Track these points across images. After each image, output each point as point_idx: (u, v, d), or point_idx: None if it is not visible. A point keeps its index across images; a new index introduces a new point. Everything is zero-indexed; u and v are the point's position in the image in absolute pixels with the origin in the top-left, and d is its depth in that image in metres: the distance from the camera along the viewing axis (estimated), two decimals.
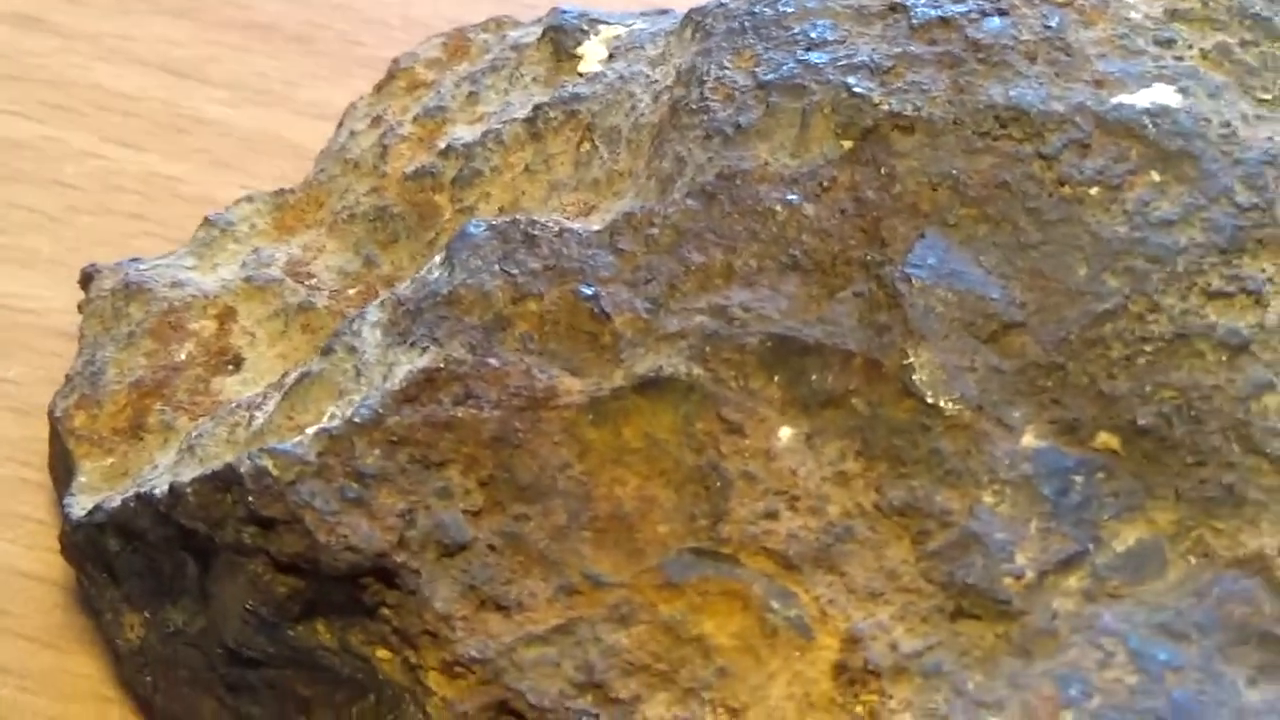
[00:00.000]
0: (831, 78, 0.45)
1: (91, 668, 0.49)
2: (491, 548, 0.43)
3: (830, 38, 0.46)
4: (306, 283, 0.49)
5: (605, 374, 0.44)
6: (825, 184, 0.45)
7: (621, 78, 0.49)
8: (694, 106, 0.46)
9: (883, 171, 0.45)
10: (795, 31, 0.46)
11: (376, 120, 0.51)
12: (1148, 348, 0.44)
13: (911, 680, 0.41)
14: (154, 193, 0.53)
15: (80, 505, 0.47)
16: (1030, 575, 0.42)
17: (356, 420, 0.43)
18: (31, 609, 0.49)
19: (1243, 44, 0.47)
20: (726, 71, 0.46)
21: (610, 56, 0.50)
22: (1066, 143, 0.45)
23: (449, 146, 0.49)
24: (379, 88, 0.53)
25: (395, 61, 0.53)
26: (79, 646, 0.49)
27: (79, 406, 0.48)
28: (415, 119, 0.51)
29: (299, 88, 0.54)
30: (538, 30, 0.52)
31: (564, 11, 0.51)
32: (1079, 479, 0.43)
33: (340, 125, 0.52)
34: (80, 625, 0.49)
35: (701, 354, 0.44)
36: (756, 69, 0.46)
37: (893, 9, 0.47)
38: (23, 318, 0.52)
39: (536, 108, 0.49)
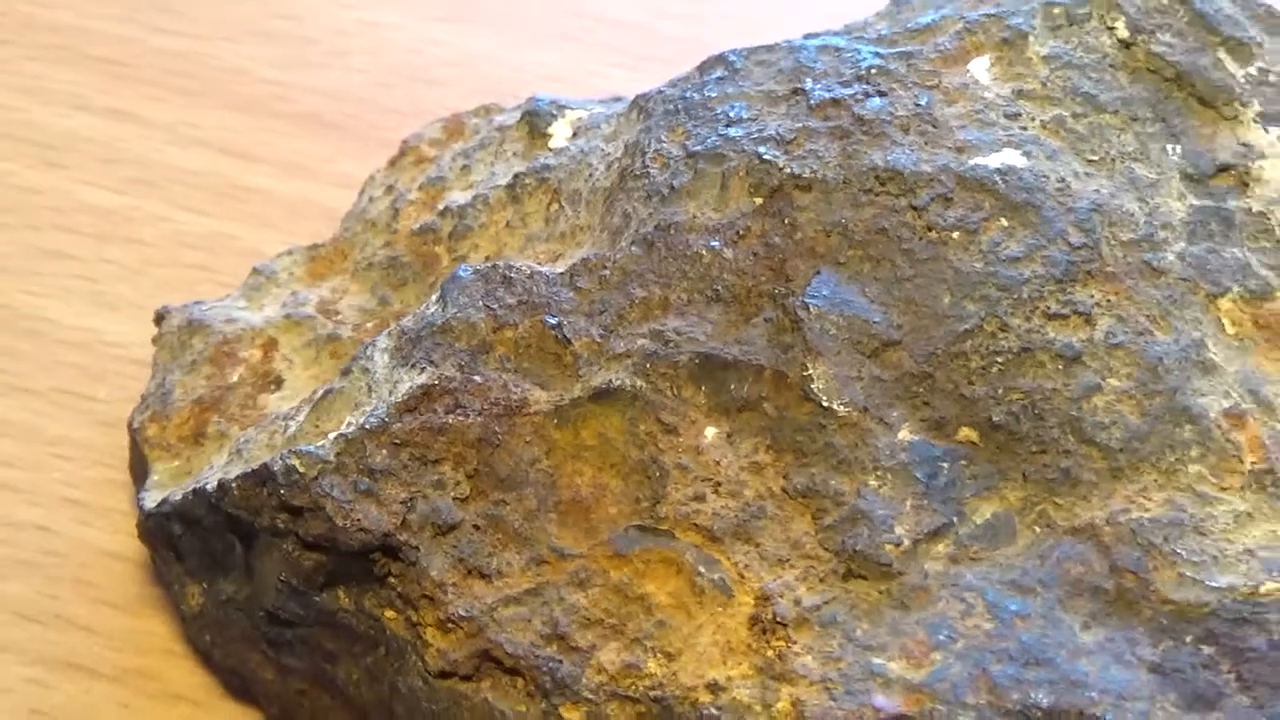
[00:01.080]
0: (746, 147, 0.46)
1: (162, 629, 0.49)
2: (476, 527, 0.43)
3: (745, 116, 0.46)
4: (334, 319, 0.49)
5: (567, 387, 0.44)
6: (741, 232, 0.45)
7: (583, 151, 0.49)
8: (637, 173, 0.46)
9: (786, 222, 0.45)
10: (717, 111, 0.46)
11: (390, 189, 0.52)
12: (999, 359, 0.44)
13: (812, 629, 0.41)
14: (215, 249, 0.54)
15: (152, 499, 0.47)
16: (907, 543, 0.42)
17: (367, 427, 0.43)
18: (115, 581, 0.50)
19: (1074, 116, 0.47)
20: (663, 144, 0.46)
21: (574, 134, 0.50)
22: (933, 197, 0.45)
23: (446, 208, 0.49)
24: (392, 162, 0.53)
25: (405, 142, 0.53)
26: (152, 612, 0.49)
27: (152, 420, 0.48)
28: (420, 187, 0.51)
29: (331, 164, 0.54)
30: (517, 114, 0.52)
31: (539, 99, 0.51)
32: (945, 465, 0.43)
33: (361, 192, 0.52)
34: (153, 595, 0.49)
35: (643, 370, 0.44)
36: (687, 142, 0.46)
37: (795, 93, 0.47)
38: (110, 350, 0.52)
39: (515, 176, 0.49)
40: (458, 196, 0.50)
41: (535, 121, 0.51)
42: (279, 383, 0.49)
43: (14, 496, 0.50)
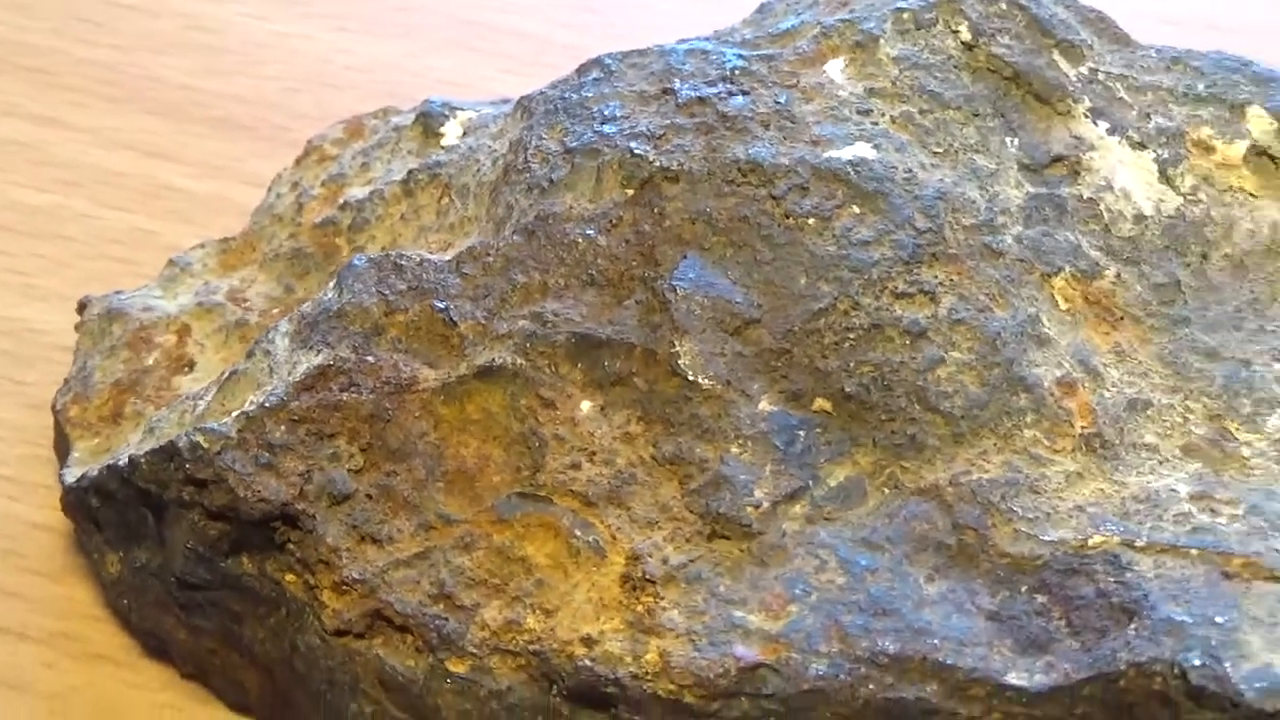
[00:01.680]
0: (619, 143, 0.45)
1: (85, 594, 0.48)
2: (369, 496, 0.42)
3: (619, 114, 0.45)
4: (242, 306, 0.49)
5: (453, 365, 0.43)
6: (614, 221, 0.44)
7: (471, 148, 0.48)
8: (519, 167, 0.46)
9: (655, 211, 0.44)
10: (593, 110, 0.46)
11: (295, 185, 0.51)
12: (851, 335, 0.43)
13: (678, 585, 0.41)
14: (136, 243, 0.53)
15: (73, 474, 0.46)
16: (766, 505, 0.42)
17: (267, 405, 0.43)
18: (41, 551, 0.49)
19: (921, 112, 0.47)
20: (543, 141, 0.45)
21: (464, 133, 0.50)
22: (790, 187, 0.44)
23: (346, 202, 0.49)
24: (298, 161, 0.52)
25: (310, 142, 0.52)
26: (75, 579, 0.48)
27: (74, 401, 0.48)
28: (323, 183, 0.50)
29: (243, 163, 0.54)
30: (413, 115, 0.51)
31: (432, 101, 0.51)
32: (802, 433, 0.42)
33: (270, 189, 0.51)
34: (76, 563, 0.48)
35: (524, 349, 0.43)
36: (565, 138, 0.45)
37: (664, 92, 0.46)
38: (38, 337, 0.52)
39: (410, 172, 0.49)
40: (357, 192, 0.49)
41: (429, 122, 0.50)
42: (191, 365, 0.48)
43: None
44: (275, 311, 0.48)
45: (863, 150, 0.46)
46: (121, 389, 0.48)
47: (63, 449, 0.48)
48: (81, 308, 0.50)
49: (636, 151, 0.45)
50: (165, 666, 0.47)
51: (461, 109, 0.50)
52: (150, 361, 0.48)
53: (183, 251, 0.51)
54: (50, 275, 0.53)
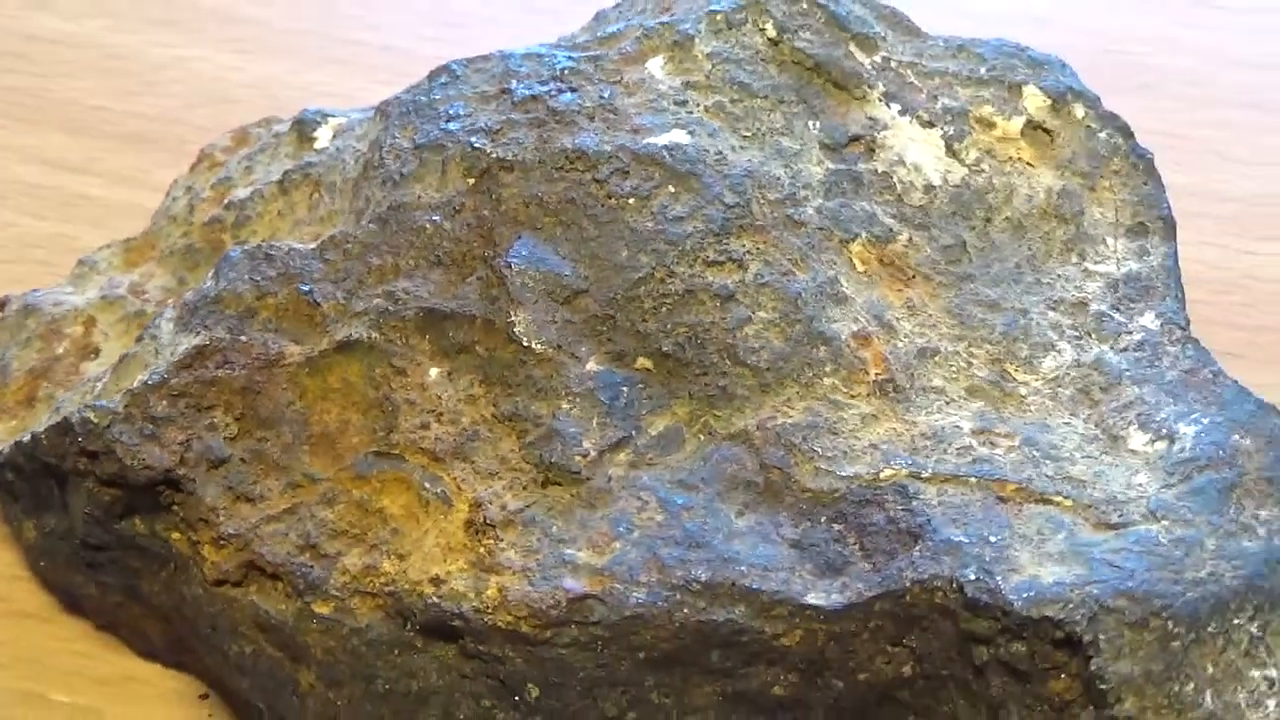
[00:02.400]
0: (461, 138, 0.45)
1: (10, 558, 0.48)
2: (243, 460, 0.42)
3: (462, 113, 0.45)
4: (142, 298, 0.48)
5: (316, 341, 0.43)
6: (457, 208, 0.44)
7: (340, 150, 0.48)
8: (376, 164, 0.45)
9: (493, 197, 0.44)
10: (440, 111, 0.45)
11: (189, 189, 0.51)
12: (668, 300, 0.43)
13: (515, 528, 0.40)
14: (54, 247, 0.53)
15: None
16: (593, 454, 0.41)
17: (150, 382, 0.42)
18: None
19: (732, 101, 0.46)
20: (396, 140, 0.45)
21: (334, 136, 0.49)
22: (612, 171, 0.44)
23: (230, 202, 0.48)
24: (192, 168, 0.52)
25: (202, 150, 0.52)
26: (1, 546, 0.48)
27: None
28: (212, 186, 0.50)
29: (149, 174, 0.54)
30: (290, 123, 0.51)
31: (308, 110, 0.50)
32: (625, 389, 0.42)
33: (168, 194, 0.51)
34: (1, 532, 0.48)
35: (378, 324, 0.43)
36: (415, 136, 0.45)
37: (502, 92, 0.46)
38: None
39: (285, 173, 0.48)
40: (240, 192, 0.49)
41: (303, 128, 0.50)
42: (97, 352, 0.48)
43: None
44: (170, 301, 0.48)
45: (678, 136, 0.45)
46: (35, 376, 0.47)
47: None
48: (1, 306, 0.50)
49: (476, 145, 0.45)
50: (81, 621, 0.47)
51: (334, 116, 0.50)
52: (60, 350, 0.48)
53: (90, 253, 0.51)
54: None
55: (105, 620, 0.47)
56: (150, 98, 0.57)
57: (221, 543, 0.41)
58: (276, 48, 0.58)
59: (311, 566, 0.40)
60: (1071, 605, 0.37)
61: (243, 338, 0.43)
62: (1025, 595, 0.38)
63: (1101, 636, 0.37)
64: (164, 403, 0.42)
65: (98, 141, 0.56)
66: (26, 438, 0.44)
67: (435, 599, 0.40)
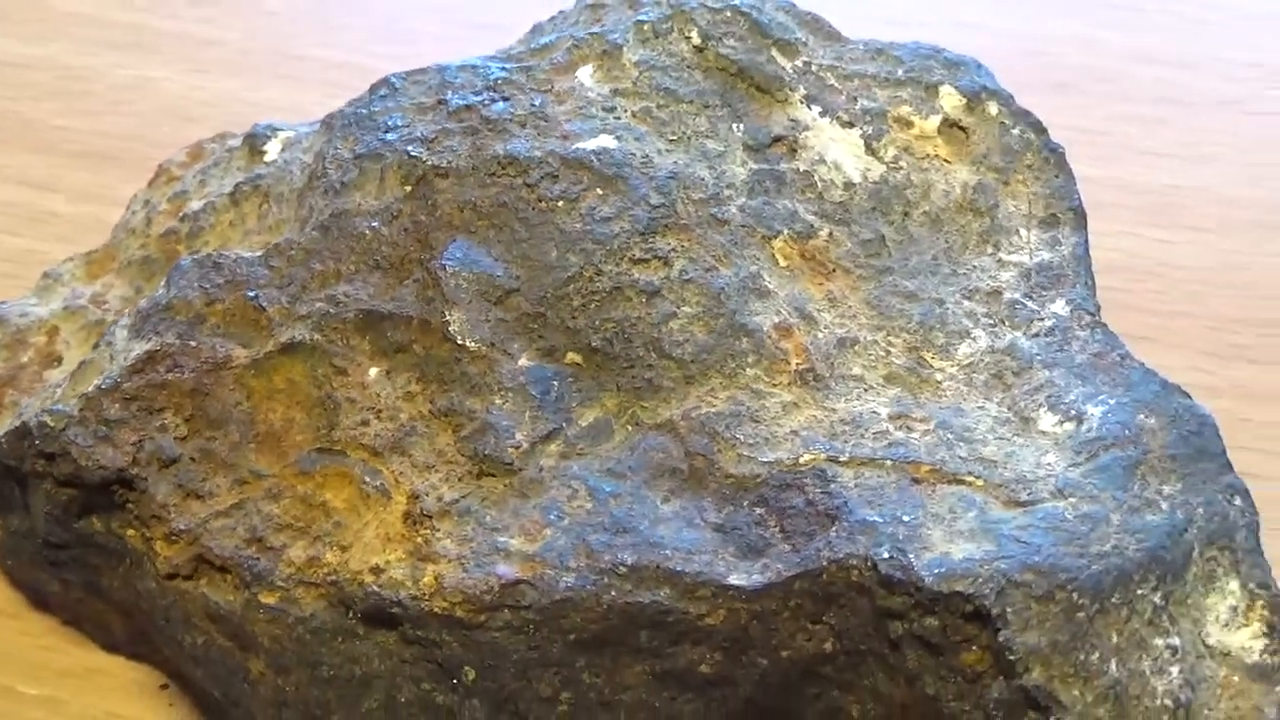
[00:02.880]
0: (399, 147, 0.44)
1: None
2: (192, 459, 0.41)
3: (400, 124, 0.45)
4: (102, 307, 0.48)
5: (262, 343, 0.43)
6: (395, 214, 0.44)
7: (287, 162, 0.48)
8: (319, 174, 0.45)
9: (429, 203, 0.44)
10: (379, 122, 0.45)
11: (147, 203, 0.50)
12: (596, 297, 0.43)
13: (451, 518, 0.40)
14: (22, 261, 0.53)
15: None
16: (525, 446, 0.41)
17: (103, 387, 0.42)
18: None
19: (659, 107, 0.46)
20: (338, 150, 0.45)
21: (283, 149, 0.49)
22: (543, 175, 0.44)
23: (185, 214, 0.48)
24: (150, 183, 0.52)
25: (160, 165, 0.52)
26: None
27: None
28: (169, 200, 0.50)
29: (112, 189, 0.53)
30: (242, 138, 0.50)
31: (258, 125, 0.50)
32: (556, 383, 0.42)
33: (128, 208, 0.51)
34: None
35: (320, 326, 0.43)
36: (355, 147, 0.45)
37: (439, 103, 0.46)
38: None
39: (236, 185, 0.48)
40: (195, 204, 0.49)
41: (254, 142, 0.49)
42: (60, 360, 0.47)
43: None
44: (129, 310, 0.47)
45: (605, 141, 0.45)
46: (2, 384, 0.47)
47: None
48: None
49: (413, 154, 0.44)
50: (46, 616, 0.47)
51: (283, 130, 0.50)
52: (25, 359, 0.48)
53: (55, 265, 0.50)
54: None
55: (69, 615, 0.46)
56: (113, 117, 0.57)
57: (173, 538, 0.41)
58: (234, 66, 0.58)
59: (258, 559, 0.40)
60: (980, 580, 0.37)
61: (192, 342, 0.43)
62: (936, 571, 0.37)
63: (1009, 609, 0.37)
64: (117, 406, 0.42)
65: (62, 160, 0.56)
66: None
67: (375, 587, 0.39)
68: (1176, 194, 0.56)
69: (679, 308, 0.43)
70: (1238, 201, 0.56)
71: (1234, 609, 0.40)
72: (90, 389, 0.42)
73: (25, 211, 0.55)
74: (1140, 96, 0.59)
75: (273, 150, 0.49)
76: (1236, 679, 0.39)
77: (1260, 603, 0.40)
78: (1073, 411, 0.42)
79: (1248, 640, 0.40)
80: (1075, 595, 0.37)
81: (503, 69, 0.47)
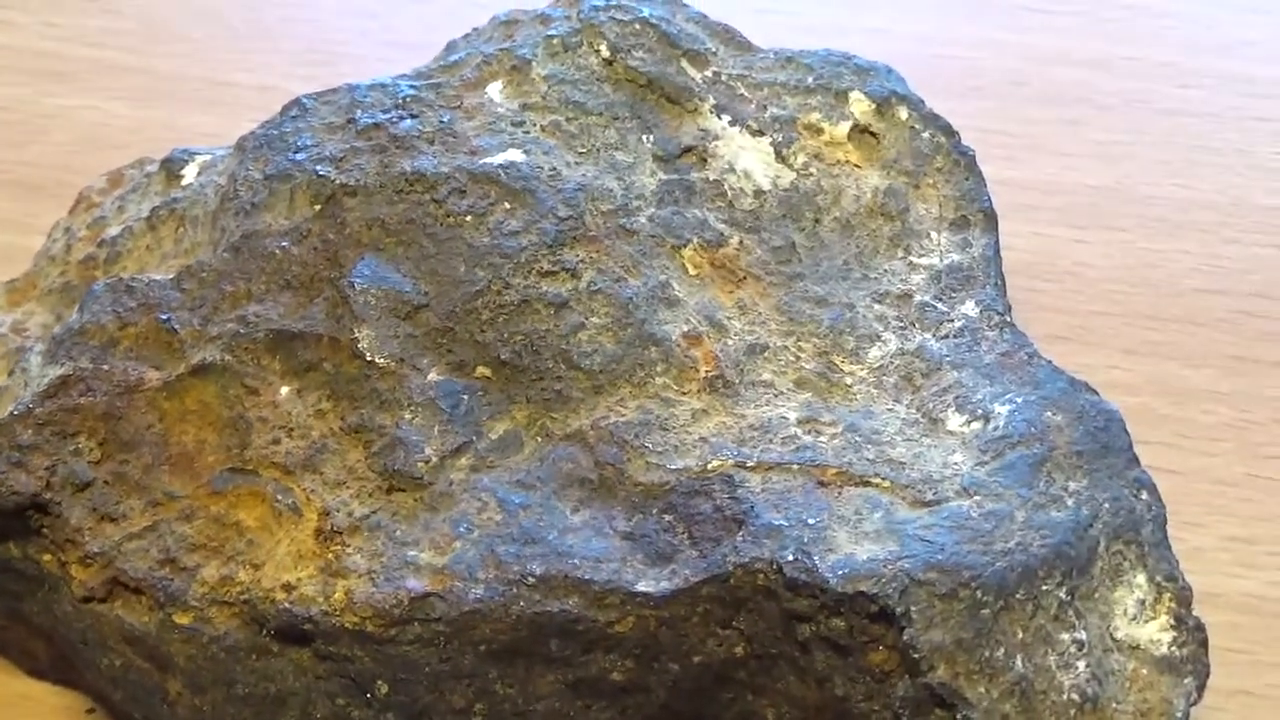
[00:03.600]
0: (308, 167, 0.44)
1: None
2: (106, 483, 0.41)
3: (309, 144, 0.45)
4: (23, 335, 0.47)
5: (174, 366, 0.42)
6: (304, 233, 0.43)
7: (203, 185, 0.47)
8: (231, 195, 0.45)
9: (338, 221, 0.43)
10: (290, 142, 0.45)
11: (67, 230, 0.50)
12: (504, 311, 0.42)
13: (361, 534, 0.40)
14: None
15: None
16: (435, 460, 0.41)
17: (15, 413, 0.41)
18: None
19: (568, 120, 0.46)
20: (249, 171, 0.44)
21: (200, 173, 0.48)
22: (450, 190, 0.43)
23: (103, 240, 0.47)
24: (70, 210, 0.51)
25: (81, 193, 0.51)
26: None
27: None
28: (88, 226, 0.49)
29: (36, 218, 0.53)
30: (159, 163, 0.49)
31: (176, 150, 0.49)
32: (466, 397, 0.41)
33: (49, 236, 0.50)
34: None
35: (231, 347, 0.42)
36: (266, 168, 0.44)
37: (348, 122, 0.45)
38: None
39: (153, 209, 0.47)
40: (113, 230, 0.48)
41: (170, 166, 0.49)
42: None
43: None
44: (44, 336, 0.46)
45: (513, 155, 0.44)
46: None
47: None
48: None
49: (321, 173, 0.44)
50: None
51: (200, 154, 0.49)
52: None
53: None
54: None
55: None
56: (37, 146, 0.56)
57: (87, 561, 0.40)
58: (158, 94, 0.58)
59: (171, 579, 0.40)
60: (884, 580, 0.37)
61: (105, 366, 0.42)
62: (840, 573, 0.37)
63: (913, 608, 0.37)
64: (29, 431, 0.41)
65: None
66: None
67: (287, 604, 0.39)
68: (1091, 194, 0.56)
69: (587, 319, 0.42)
70: (1152, 200, 0.56)
71: (1141, 602, 0.39)
72: (4, 416, 0.42)
73: None
74: (1052, 98, 0.58)
75: (190, 174, 0.48)
76: (1145, 672, 0.39)
77: (1168, 595, 0.40)
78: (980, 411, 0.42)
79: (1156, 633, 0.39)
80: (979, 593, 0.37)
81: (412, 87, 0.46)
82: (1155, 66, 0.60)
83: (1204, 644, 0.39)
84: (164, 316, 0.43)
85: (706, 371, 0.42)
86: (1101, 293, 0.53)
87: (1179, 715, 0.38)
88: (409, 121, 0.45)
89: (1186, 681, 0.39)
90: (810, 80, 0.48)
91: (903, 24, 0.60)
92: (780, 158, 0.47)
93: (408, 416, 0.41)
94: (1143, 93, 0.59)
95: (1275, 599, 0.47)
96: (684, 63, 0.48)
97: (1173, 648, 0.39)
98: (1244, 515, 0.49)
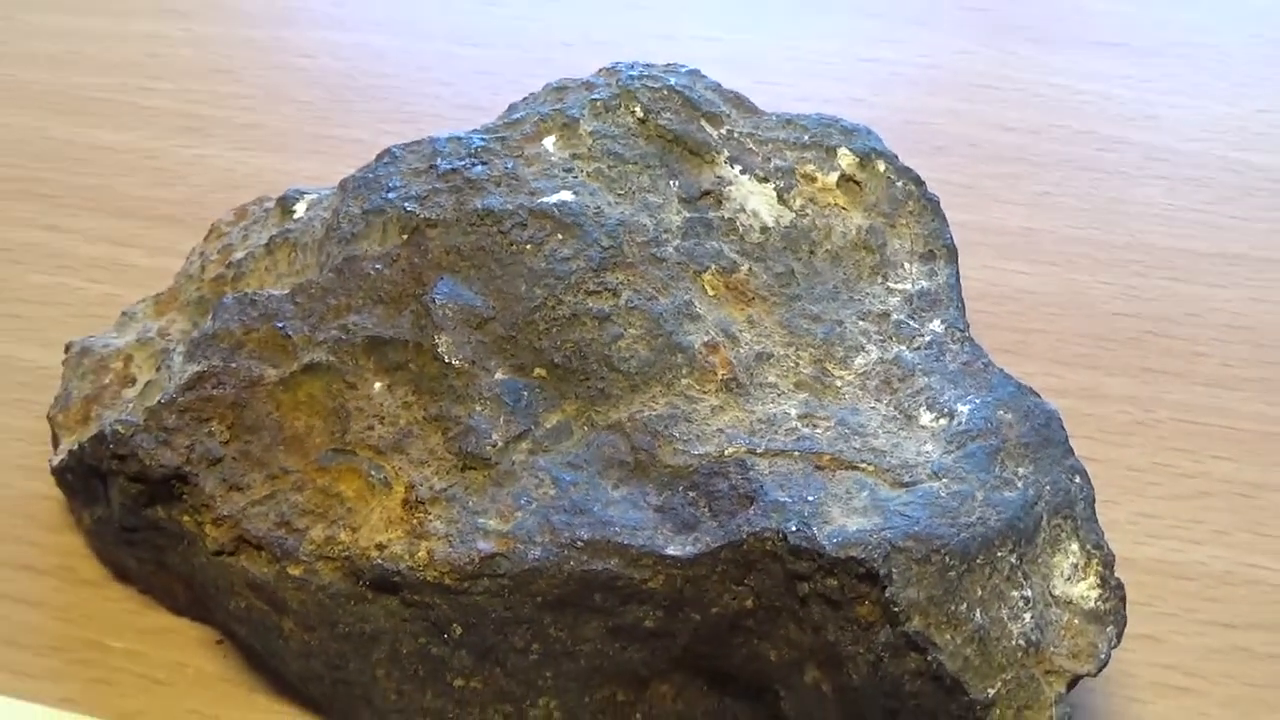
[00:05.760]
0: (398, 204, 0.43)
1: (74, 541, 0.46)
2: (234, 459, 0.40)
3: (399, 185, 0.43)
4: (166, 339, 0.46)
5: (288, 365, 0.41)
6: (394, 258, 0.42)
7: (311, 219, 0.46)
8: (334, 227, 0.44)
9: (421, 249, 0.42)
10: (383, 184, 0.44)
11: (201, 254, 0.48)
12: (557, 323, 0.41)
13: (440, 503, 0.38)
14: (108, 304, 0.52)
15: (57, 460, 0.44)
16: (501, 444, 0.39)
17: (162, 401, 0.40)
18: (47, 513, 0.47)
19: (609, 168, 0.45)
20: (349, 207, 0.43)
21: (308, 208, 0.47)
22: (514, 224, 0.42)
23: (231, 262, 0.46)
24: (204, 238, 0.50)
25: (213, 224, 0.49)
26: (68, 530, 0.46)
27: (60, 411, 0.45)
28: (218, 251, 0.48)
29: (179, 245, 0.52)
30: (275, 200, 0.48)
31: (290, 190, 0.48)
32: (526, 393, 0.40)
33: (187, 259, 0.49)
34: (67, 520, 0.46)
35: (335, 350, 0.41)
36: (363, 204, 0.43)
37: (430, 168, 0.44)
38: (46, 370, 0.50)
39: (270, 238, 0.46)
40: (238, 254, 0.47)
41: (285, 203, 0.47)
42: (133, 382, 0.45)
43: None
44: (184, 339, 0.45)
45: (565, 196, 0.43)
46: (89, 401, 0.45)
47: (55, 444, 0.45)
48: (66, 349, 0.47)
49: (408, 209, 0.43)
50: (127, 586, 0.45)
51: (309, 193, 0.48)
52: (107, 381, 0.45)
53: (131, 305, 0.48)
54: (54, 330, 0.51)
55: (144, 585, 0.44)
56: (178, 187, 0.55)
57: (219, 522, 0.39)
58: (273, 145, 0.57)
59: (286, 538, 0.39)
60: (870, 547, 0.36)
61: (233, 364, 0.41)
62: (835, 541, 0.36)
63: (894, 570, 0.36)
64: (173, 417, 0.40)
65: (140, 222, 0.54)
66: (77, 447, 0.42)
67: (380, 561, 0.38)
68: (1029, 235, 0.55)
69: (625, 330, 0.41)
70: (1077, 240, 0.55)
71: (1074, 566, 0.38)
72: (153, 403, 0.41)
73: (108, 264, 0.53)
74: (998, 157, 0.57)
75: (300, 210, 0.47)
76: (1076, 622, 0.38)
77: (1095, 560, 0.39)
78: (946, 409, 0.40)
79: (1085, 591, 0.38)
80: (947, 558, 0.36)
81: (482, 139, 0.45)
82: (1077, 134, 0.58)
83: (1123, 599, 0.38)
84: (280, 324, 0.41)
85: (723, 375, 0.41)
86: (1038, 315, 0.52)
87: (1102, 656, 0.37)
88: (480, 168, 0.44)
89: (1109, 630, 0.38)
90: (806, 138, 0.47)
91: (879, 96, 0.59)
92: (782, 200, 0.45)
93: (478, 408, 0.40)
94: (1068, 154, 0.58)
95: (1172, 562, 0.46)
96: (703, 122, 0.46)
97: (1098, 602, 0.38)
98: (1150, 496, 0.48)
